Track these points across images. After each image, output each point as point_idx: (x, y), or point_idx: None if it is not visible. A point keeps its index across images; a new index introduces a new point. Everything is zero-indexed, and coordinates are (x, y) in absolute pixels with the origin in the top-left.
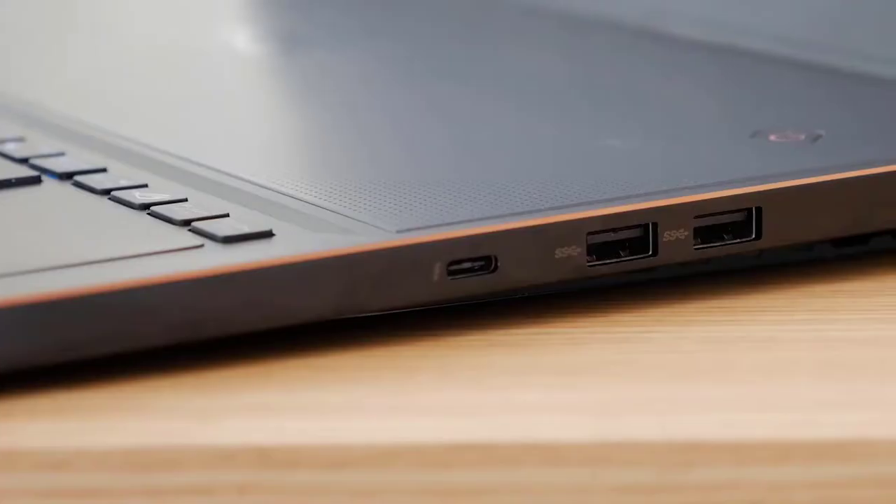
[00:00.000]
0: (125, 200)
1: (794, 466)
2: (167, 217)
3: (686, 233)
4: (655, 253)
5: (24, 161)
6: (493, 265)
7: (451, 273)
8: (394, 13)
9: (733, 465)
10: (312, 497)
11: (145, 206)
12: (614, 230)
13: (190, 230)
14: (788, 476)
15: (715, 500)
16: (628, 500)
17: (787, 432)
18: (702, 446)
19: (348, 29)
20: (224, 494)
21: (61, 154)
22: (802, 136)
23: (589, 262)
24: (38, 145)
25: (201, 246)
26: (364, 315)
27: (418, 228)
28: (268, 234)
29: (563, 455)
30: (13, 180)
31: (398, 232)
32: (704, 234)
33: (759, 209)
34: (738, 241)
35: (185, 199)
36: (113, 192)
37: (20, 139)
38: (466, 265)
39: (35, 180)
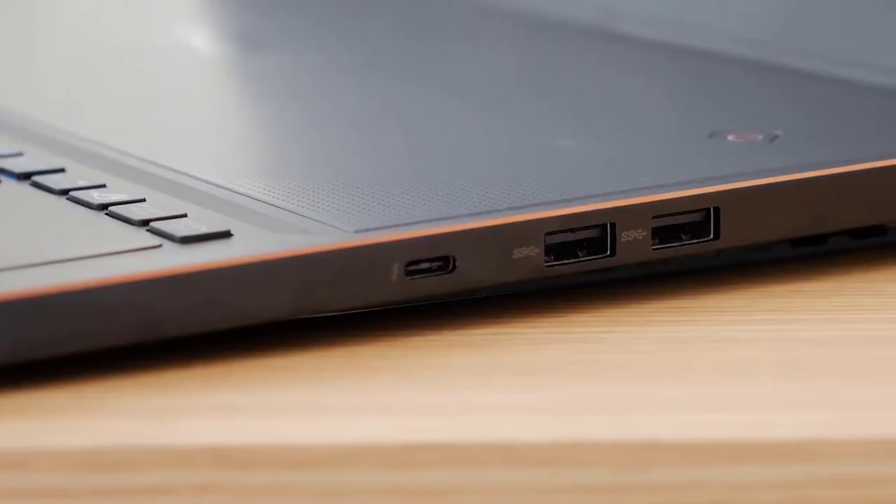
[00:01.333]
0: (83, 201)
1: (754, 467)
2: (125, 217)
3: (644, 233)
4: (613, 253)
5: None
6: (450, 265)
7: (409, 273)
8: (351, 14)
9: (692, 466)
10: (272, 497)
11: (103, 207)
12: (572, 230)
13: (148, 230)
14: (748, 476)
15: (674, 501)
16: (588, 500)
17: (745, 432)
18: (660, 446)
19: (306, 30)
20: (183, 495)
21: (19, 154)
22: (760, 137)
23: (547, 262)
24: None
25: (159, 246)
26: (322, 315)
27: (376, 229)
28: (226, 235)
29: (523, 455)
30: None
31: (356, 232)
32: (662, 234)
33: (716, 209)
34: (696, 241)
35: (144, 200)
36: (71, 193)
37: None
38: (424, 265)
39: None
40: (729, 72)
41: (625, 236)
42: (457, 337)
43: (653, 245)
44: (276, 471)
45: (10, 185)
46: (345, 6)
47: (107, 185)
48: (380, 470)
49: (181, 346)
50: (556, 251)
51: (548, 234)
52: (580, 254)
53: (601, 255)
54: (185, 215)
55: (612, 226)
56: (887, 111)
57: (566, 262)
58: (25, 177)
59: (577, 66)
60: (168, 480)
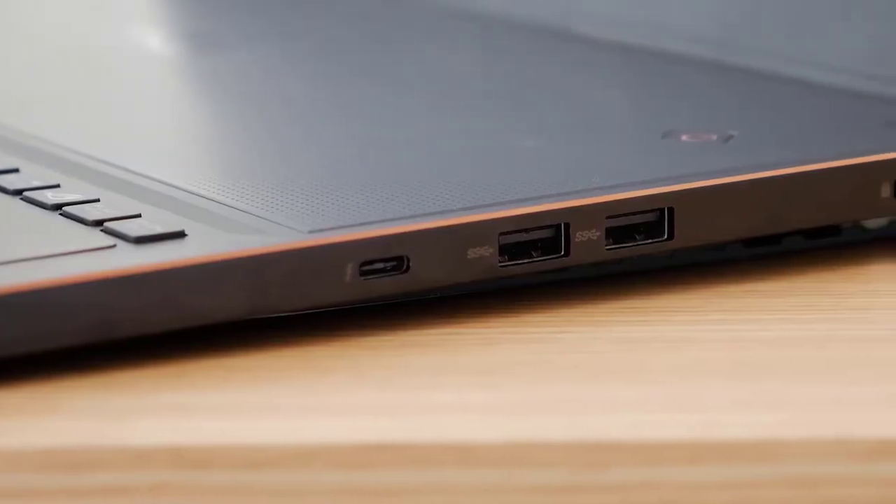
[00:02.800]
0: (37, 201)
1: (706, 467)
2: (79, 217)
3: (598, 233)
4: (567, 253)
5: None
6: (405, 265)
7: (363, 273)
8: (306, 13)
9: (646, 466)
10: (227, 497)
11: (57, 207)
12: (526, 230)
13: (102, 230)
14: (700, 476)
15: (628, 500)
16: (542, 500)
17: (699, 433)
18: (614, 446)
19: (261, 29)
20: (139, 494)
21: None
22: (714, 137)
23: (501, 262)
24: None
25: (113, 246)
26: (276, 315)
27: (330, 229)
28: (180, 235)
29: (477, 455)
30: None
31: (310, 232)
32: (616, 234)
33: (670, 209)
34: (650, 241)
35: (98, 200)
36: (25, 193)
37: None
38: (378, 265)
39: None
40: (683, 72)
41: (579, 236)
42: (411, 337)
43: (607, 245)
44: (231, 471)
45: None
46: (301, 6)
47: (61, 185)
48: (335, 470)
49: (136, 347)
50: (511, 251)
51: (502, 234)
52: (534, 254)
53: (555, 256)
54: (139, 215)
55: (566, 226)
56: (842, 111)
57: (520, 262)
58: None
59: (533, 66)
60: (125, 480)
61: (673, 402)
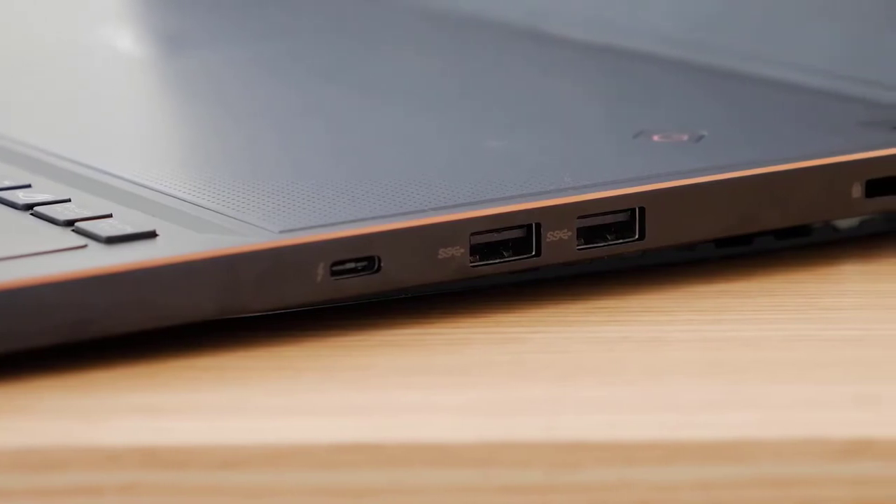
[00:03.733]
0: (8, 201)
1: (680, 467)
2: (50, 217)
3: (569, 233)
4: (538, 253)
5: None
6: (376, 265)
7: (334, 273)
8: (278, 14)
9: (620, 466)
10: (199, 497)
11: (28, 207)
12: (497, 230)
13: (73, 230)
14: (675, 476)
15: (602, 500)
16: (516, 501)
17: (672, 433)
18: (588, 447)
19: (233, 30)
20: (110, 495)
21: None
22: (685, 137)
23: (472, 262)
24: None
25: (85, 246)
26: (248, 315)
27: (301, 229)
28: (151, 235)
29: (451, 455)
30: None
31: (281, 232)
32: (587, 234)
33: (642, 209)
34: (622, 241)
35: (69, 200)
36: None
37: None
38: (350, 265)
39: None
40: (655, 72)
41: (550, 236)
42: (383, 337)
43: (578, 245)
44: (203, 471)
45: None
46: (271, 6)
47: (32, 185)
48: (308, 470)
49: (107, 347)
50: (482, 251)
51: (473, 234)
52: (505, 254)
53: (526, 256)
54: (110, 215)
55: (538, 226)
56: (813, 111)
57: (491, 262)
58: None
59: (504, 67)
60: (96, 480)
61: (646, 402)
